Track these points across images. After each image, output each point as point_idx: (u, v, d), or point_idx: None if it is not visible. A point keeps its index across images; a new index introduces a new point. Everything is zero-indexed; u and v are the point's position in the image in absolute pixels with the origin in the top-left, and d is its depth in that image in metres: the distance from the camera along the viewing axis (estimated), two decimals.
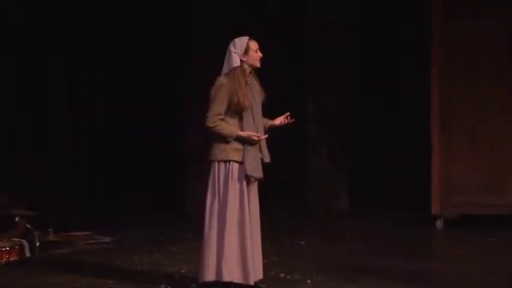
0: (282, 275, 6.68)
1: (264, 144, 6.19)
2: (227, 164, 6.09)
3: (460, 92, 9.71)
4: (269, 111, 6.38)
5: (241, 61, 6.12)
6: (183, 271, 7.07)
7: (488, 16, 9.67)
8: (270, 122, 6.34)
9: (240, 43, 6.13)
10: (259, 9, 11.32)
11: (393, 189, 11.45)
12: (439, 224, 9.72)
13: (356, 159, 11.69)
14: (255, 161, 6.09)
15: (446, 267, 7.39)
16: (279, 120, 6.32)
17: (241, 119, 6.10)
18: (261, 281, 6.24)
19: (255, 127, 6.11)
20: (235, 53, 6.11)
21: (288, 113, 6.29)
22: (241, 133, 6.07)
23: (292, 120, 6.27)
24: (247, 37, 6.17)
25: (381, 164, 12.10)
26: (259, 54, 6.16)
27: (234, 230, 6.04)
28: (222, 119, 6.08)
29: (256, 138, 6.08)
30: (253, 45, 6.14)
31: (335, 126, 11.40)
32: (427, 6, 9.79)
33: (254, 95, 6.16)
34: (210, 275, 6.07)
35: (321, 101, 11.40)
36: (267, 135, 6.18)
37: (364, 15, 11.62)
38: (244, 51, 6.11)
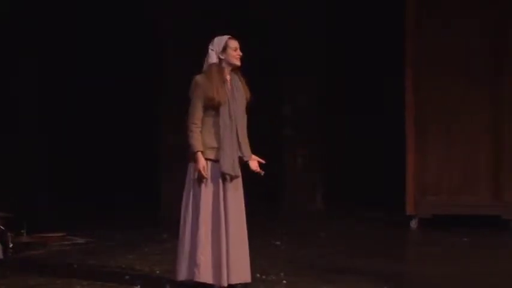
0: (257, 275, 6.67)
1: (244, 142, 6.16)
2: None
3: (435, 93, 9.75)
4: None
5: (220, 59, 6.11)
6: (158, 272, 7.05)
7: (462, 16, 9.72)
8: (249, 158, 6.21)
9: (219, 41, 6.13)
10: (237, 8, 11.32)
11: (368, 190, 11.49)
12: (413, 224, 9.76)
13: (331, 160, 11.72)
14: (231, 158, 6.06)
15: (420, 267, 7.42)
16: (255, 166, 6.23)
17: (218, 115, 6.08)
18: (246, 285, 6.15)
19: (231, 124, 6.07)
20: (212, 50, 6.12)
21: (264, 161, 6.25)
22: (199, 157, 5.98)
23: (262, 173, 6.21)
24: (228, 36, 6.16)
25: (356, 165, 12.14)
26: (238, 52, 6.11)
27: (207, 230, 6.01)
28: (199, 126, 6.03)
29: (201, 173, 5.98)
30: (232, 43, 6.11)
31: (310, 126, 11.41)
32: (401, 7, 9.83)
33: (234, 94, 6.12)
34: (183, 274, 6.08)
35: (296, 101, 11.41)
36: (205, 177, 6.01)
37: (338, 15, 11.65)
38: (222, 49, 6.10)
